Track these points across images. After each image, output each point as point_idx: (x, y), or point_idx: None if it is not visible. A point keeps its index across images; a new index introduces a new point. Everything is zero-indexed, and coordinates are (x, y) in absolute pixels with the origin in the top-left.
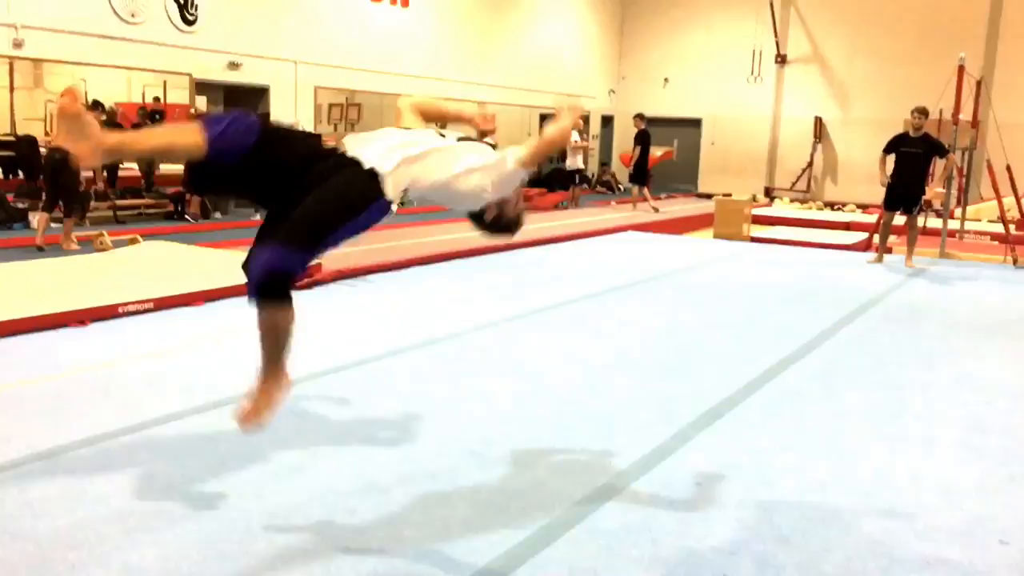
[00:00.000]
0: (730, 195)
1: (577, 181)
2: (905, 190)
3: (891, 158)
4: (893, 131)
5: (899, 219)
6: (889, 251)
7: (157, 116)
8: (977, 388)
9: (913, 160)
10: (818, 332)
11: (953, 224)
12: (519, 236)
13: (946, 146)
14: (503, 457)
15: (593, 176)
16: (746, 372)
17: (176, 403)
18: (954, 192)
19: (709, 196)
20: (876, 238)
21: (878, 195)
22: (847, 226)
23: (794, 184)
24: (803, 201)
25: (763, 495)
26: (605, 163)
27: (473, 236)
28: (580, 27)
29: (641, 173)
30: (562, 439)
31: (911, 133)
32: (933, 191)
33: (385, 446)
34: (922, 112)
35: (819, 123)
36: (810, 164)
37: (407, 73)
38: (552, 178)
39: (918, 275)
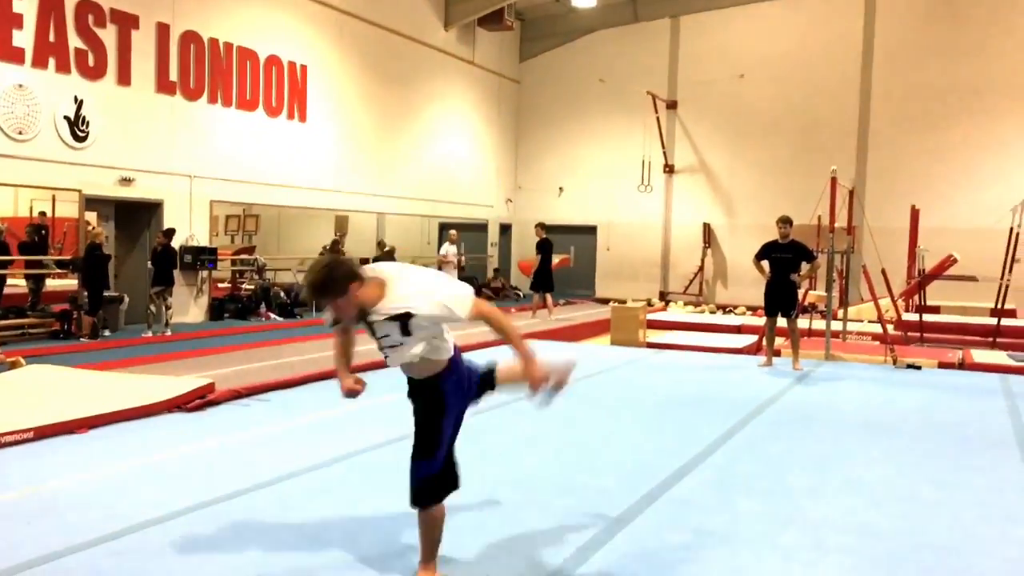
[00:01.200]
0: (626, 301)
1: None
2: (779, 295)
3: (766, 263)
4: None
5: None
6: (778, 354)
7: (43, 231)
8: (866, 492)
9: (784, 265)
10: (713, 439)
11: (836, 325)
12: None
13: (812, 252)
14: None
15: (484, 280)
16: (644, 482)
17: (54, 542)
18: (836, 295)
19: (607, 301)
20: (768, 343)
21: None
22: (738, 329)
23: (687, 288)
24: (696, 304)
25: None
26: (497, 269)
27: (371, 349)
28: (477, 139)
29: (544, 280)
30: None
31: (780, 240)
32: (814, 295)
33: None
34: (786, 221)
35: (708, 229)
36: (701, 268)
37: (306, 186)
38: None
39: (805, 377)
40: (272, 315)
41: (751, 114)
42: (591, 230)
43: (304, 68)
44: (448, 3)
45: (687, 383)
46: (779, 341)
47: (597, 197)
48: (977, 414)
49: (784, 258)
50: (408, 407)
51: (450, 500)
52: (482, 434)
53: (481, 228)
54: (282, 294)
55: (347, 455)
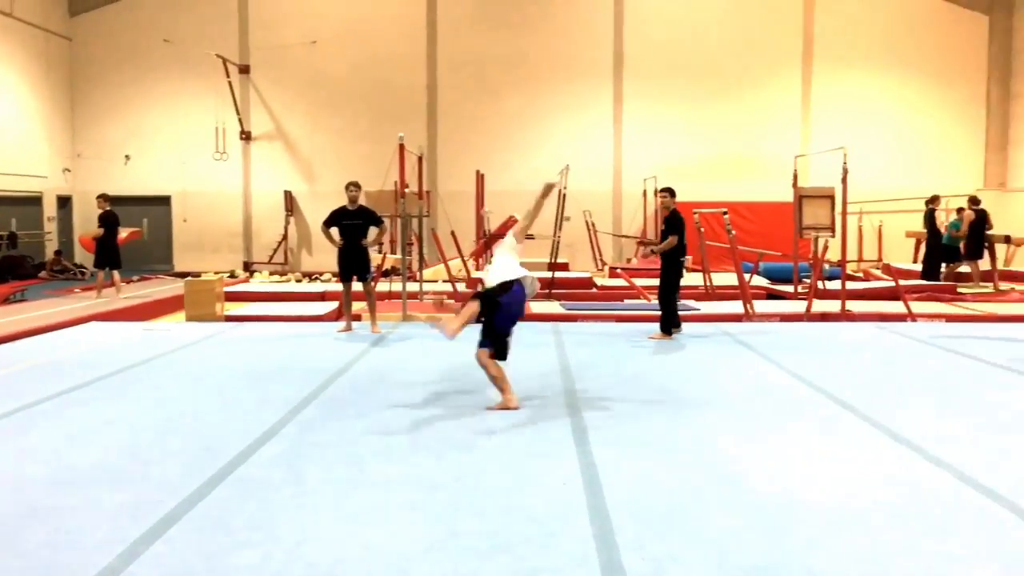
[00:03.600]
0: (202, 274)
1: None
2: (352, 259)
3: (335, 230)
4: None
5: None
6: (357, 318)
7: None
8: (432, 447)
9: (354, 230)
10: (287, 410)
11: (414, 287)
12: None
13: (380, 216)
14: None
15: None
16: (209, 465)
17: None
18: (411, 258)
19: (188, 275)
20: (346, 310)
21: None
22: (322, 296)
23: (271, 257)
24: (282, 273)
25: None
26: (60, 251)
27: None
28: (21, 102)
29: (109, 256)
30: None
31: (348, 206)
32: (392, 259)
33: None
34: (355, 185)
35: (289, 196)
36: (284, 237)
37: None
38: (2, 268)
39: (382, 340)
40: None
41: (327, 81)
42: (165, 200)
43: None
44: None
45: (265, 355)
46: (360, 306)
47: (170, 165)
48: (533, 360)
49: (354, 224)
50: None
51: None
52: (28, 430)
53: (34, 202)
54: None
55: None
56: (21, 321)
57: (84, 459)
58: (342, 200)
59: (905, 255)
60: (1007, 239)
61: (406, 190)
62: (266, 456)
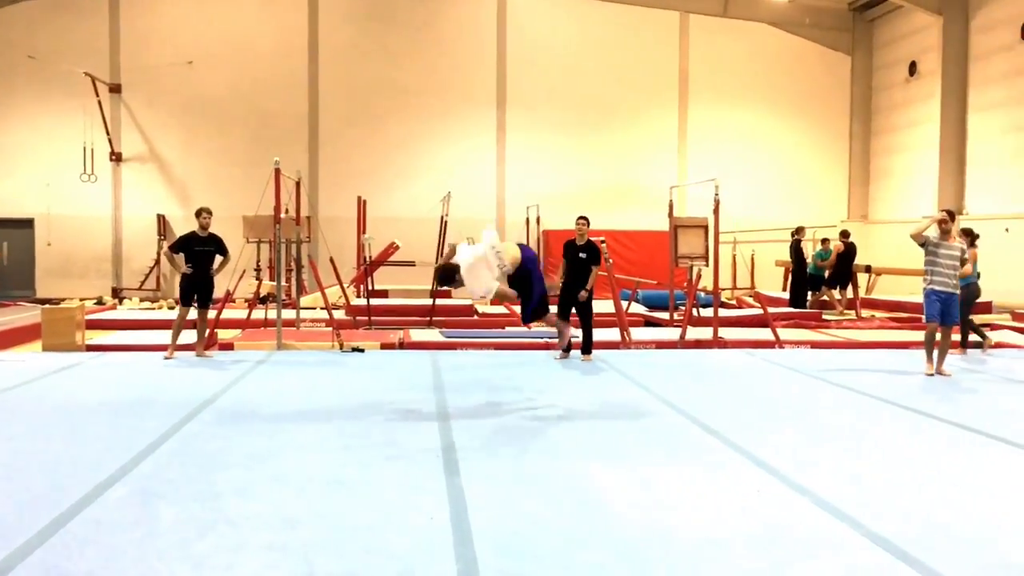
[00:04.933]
0: (63, 301)
1: None
2: (199, 286)
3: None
4: (234, 229)
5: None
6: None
7: None
8: (293, 482)
9: (203, 257)
10: (144, 445)
11: (290, 314)
12: None
13: (226, 247)
14: None
15: None
16: (54, 506)
17: None
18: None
19: (50, 301)
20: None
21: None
22: (194, 324)
23: (142, 283)
24: (153, 300)
25: None
26: None
27: None
28: None
29: None
30: None
31: (199, 232)
32: (268, 285)
33: None
34: (208, 212)
35: (163, 220)
36: (157, 262)
37: None
38: None
39: (254, 370)
40: None
41: (204, 102)
42: (27, 223)
43: None
44: None
45: (127, 386)
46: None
47: (34, 187)
48: (406, 387)
49: (205, 250)
50: None
51: None
52: None
53: None
54: None
55: None
56: None
57: None
58: (224, 227)
59: (775, 283)
60: (868, 269)
61: (283, 215)
62: (116, 496)
